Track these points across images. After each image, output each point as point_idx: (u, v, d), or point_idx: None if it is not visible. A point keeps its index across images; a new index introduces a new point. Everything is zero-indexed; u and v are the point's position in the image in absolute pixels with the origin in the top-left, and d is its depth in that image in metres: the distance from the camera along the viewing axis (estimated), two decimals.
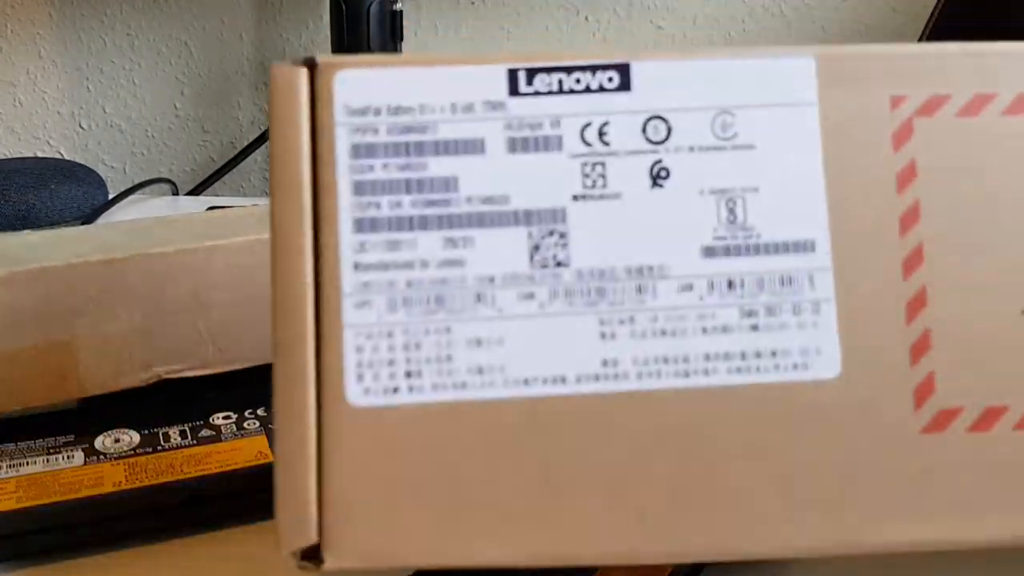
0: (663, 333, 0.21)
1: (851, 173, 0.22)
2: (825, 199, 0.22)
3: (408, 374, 0.21)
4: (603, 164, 0.22)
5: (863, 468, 0.21)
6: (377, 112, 0.21)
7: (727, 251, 0.21)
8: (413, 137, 0.21)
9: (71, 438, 0.34)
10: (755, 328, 0.21)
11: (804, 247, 0.22)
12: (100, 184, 0.71)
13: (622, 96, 0.22)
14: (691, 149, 0.22)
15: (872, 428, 0.21)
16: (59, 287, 0.34)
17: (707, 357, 0.21)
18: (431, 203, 0.21)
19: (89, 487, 0.31)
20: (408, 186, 0.21)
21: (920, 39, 0.55)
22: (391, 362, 0.21)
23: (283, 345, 0.21)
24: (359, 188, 0.21)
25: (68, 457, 0.33)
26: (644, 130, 0.22)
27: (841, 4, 0.75)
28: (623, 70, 0.22)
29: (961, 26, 0.52)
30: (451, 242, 0.21)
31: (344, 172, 0.21)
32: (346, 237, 0.21)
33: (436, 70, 0.22)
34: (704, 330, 0.21)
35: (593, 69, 0.22)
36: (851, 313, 0.21)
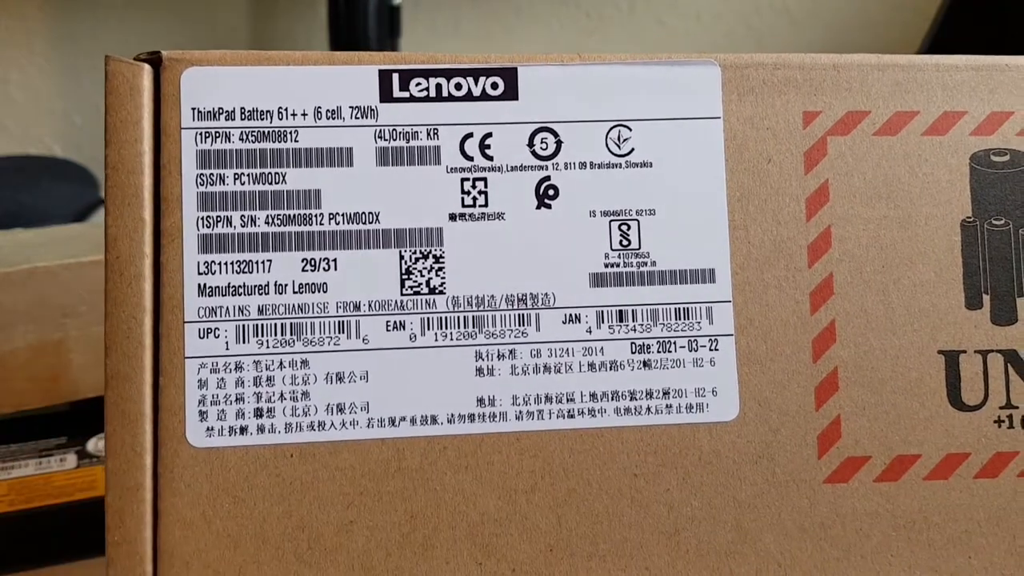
0: (546, 369, 0.19)
1: (757, 196, 0.20)
2: (727, 224, 0.20)
3: (258, 412, 0.19)
4: (485, 180, 0.19)
5: (759, 520, 0.19)
6: (230, 116, 0.19)
7: (619, 279, 0.19)
8: (270, 145, 0.19)
9: (63, 440, 0.33)
10: (647, 365, 0.19)
11: (703, 277, 0.20)
12: (93, 182, 0.69)
13: (508, 105, 0.20)
14: (582, 166, 0.20)
15: (771, 477, 0.19)
16: (51, 287, 0.34)
17: (594, 396, 0.19)
18: (290, 220, 0.19)
19: (82, 490, 0.30)
20: (264, 200, 0.19)
21: (927, 36, 0.54)
22: (239, 398, 0.19)
23: (116, 377, 0.18)
24: (207, 201, 0.19)
25: (61, 460, 0.32)
26: (531, 143, 0.20)
27: (848, 1, 0.73)
28: (509, 75, 0.20)
29: (967, 24, 0.50)
30: (311, 264, 0.19)
31: (190, 183, 0.19)
32: (191, 257, 0.19)
33: (298, 70, 0.19)
34: (591, 366, 0.19)
35: (475, 74, 0.19)
36: (752, 350, 0.20)
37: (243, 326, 0.19)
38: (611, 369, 0.19)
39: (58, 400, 0.35)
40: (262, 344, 0.19)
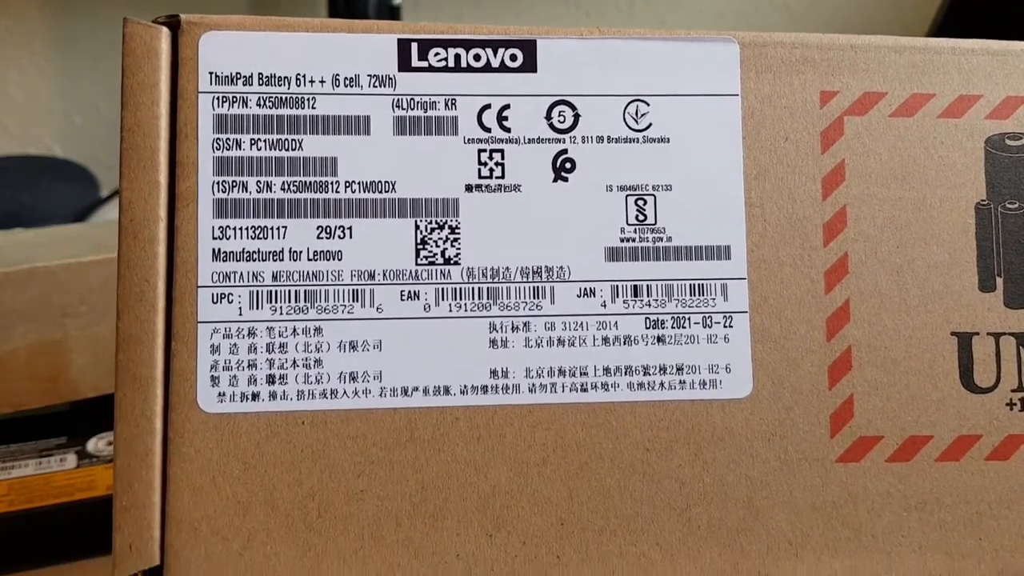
0: (560, 342, 0.19)
1: (774, 174, 0.20)
2: (744, 201, 0.20)
3: (270, 379, 0.19)
4: (502, 152, 0.19)
5: (770, 498, 0.19)
6: (247, 81, 0.19)
7: (634, 254, 0.19)
8: (288, 111, 0.19)
9: (63, 440, 0.33)
10: (661, 340, 0.19)
11: (718, 253, 0.20)
12: (93, 182, 0.70)
13: (526, 77, 0.19)
14: (600, 140, 0.20)
15: (783, 455, 0.19)
16: (51, 287, 0.34)
17: (607, 370, 0.19)
18: (305, 187, 0.19)
19: (82, 490, 0.30)
20: (280, 166, 0.19)
21: (926, 36, 0.54)
22: (251, 365, 0.18)
23: (128, 340, 0.18)
24: (223, 166, 0.19)
25: (60, 460, 0.32)
26: (549, 116, 0.19)
27: (848, 0, 0.73)
28: (528, 48, 0.20)
29: (967, 24, 0.50)
30: (326, 231, 0.19)
31: (207, 148, 0.19)
32: (205, 221, 0.19)
33: (317, 37, 0.19)
34: (605, 340, 0.19)
35: (495, 45, 0.19)
36: (766, 328, 0.20)
37: (257, 292, 0.19)
38: (625, 344, 0.19)
39: (58, 400, 0.34)
40: (276, 311, 0.19)
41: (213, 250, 0.19)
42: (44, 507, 0.29)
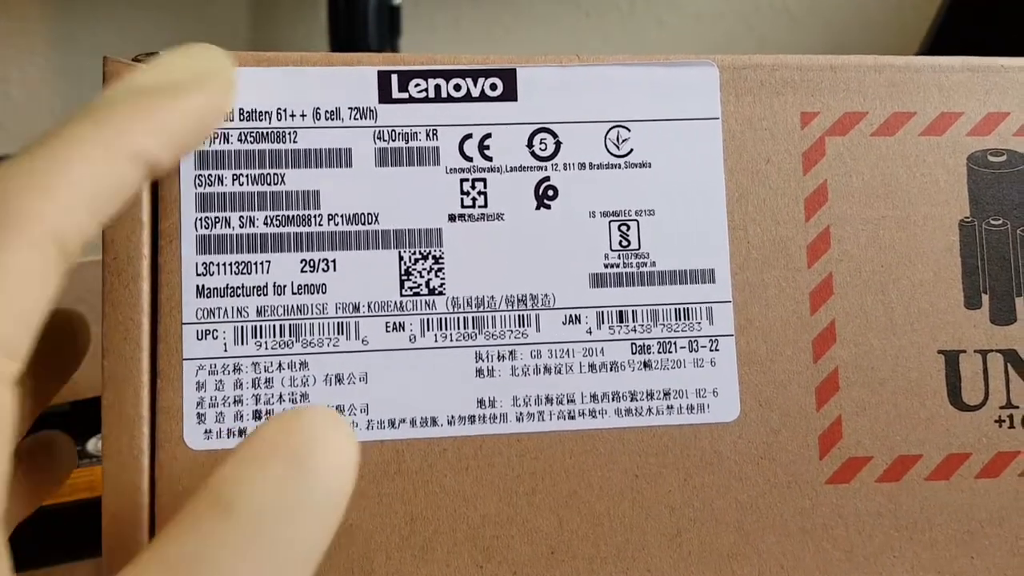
0: (546, 370, 0.19)
1: (756, 196, 0.20)
2: (727, 224, 0.20)
3: (257, 414, 0.18)
4: (484, 181, 0.19)
5: (761, 521, 0.19)
6: (228, 116, 0.19)
7: (619, 279, 0.19)
8: (269, 146, 0.19)
9: None
10: (647, 365, 0.19)
11: (703, 277, 0.20)
12: None
13: (507, 106, 0.20)
14: (582, 166, 0.20)
15: (772, 478, 0.19)
16: None
17: (594, 397, 0.19)
18: (288, 221, 0.19)
19: (82, 490, 0.30)
20: (262, 201, 0.19)
21: (926, 36, 0.54)
22: (237, 401, 0.18)
23: (114, 379, 0.18)
24: (206, 202, 0.19)
25: None
26: (530, 144, 0.20)
27: (848, 0, 0.73)
28: (508, 77, 0.20)
29: (966, 25, 0.50)
30: (310, 265, 0.19)
31: (189, 184, 0.19)
32: (189, 258, 0.19)
33: (296, 71, 0.19)
34: (592, 367, 0.19)
35: (474, 75, 0.19)
36: (752, 350, 0.19)
37: (242, 327, 0.19)
38: (612, 370, 0.19)
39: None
40: (261, 346, 0.19)
41: (197, 286, 0.19)
42: (44, 507, 0.29)
